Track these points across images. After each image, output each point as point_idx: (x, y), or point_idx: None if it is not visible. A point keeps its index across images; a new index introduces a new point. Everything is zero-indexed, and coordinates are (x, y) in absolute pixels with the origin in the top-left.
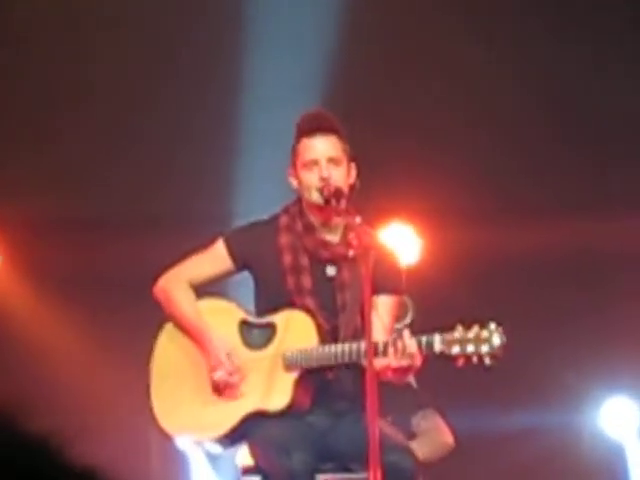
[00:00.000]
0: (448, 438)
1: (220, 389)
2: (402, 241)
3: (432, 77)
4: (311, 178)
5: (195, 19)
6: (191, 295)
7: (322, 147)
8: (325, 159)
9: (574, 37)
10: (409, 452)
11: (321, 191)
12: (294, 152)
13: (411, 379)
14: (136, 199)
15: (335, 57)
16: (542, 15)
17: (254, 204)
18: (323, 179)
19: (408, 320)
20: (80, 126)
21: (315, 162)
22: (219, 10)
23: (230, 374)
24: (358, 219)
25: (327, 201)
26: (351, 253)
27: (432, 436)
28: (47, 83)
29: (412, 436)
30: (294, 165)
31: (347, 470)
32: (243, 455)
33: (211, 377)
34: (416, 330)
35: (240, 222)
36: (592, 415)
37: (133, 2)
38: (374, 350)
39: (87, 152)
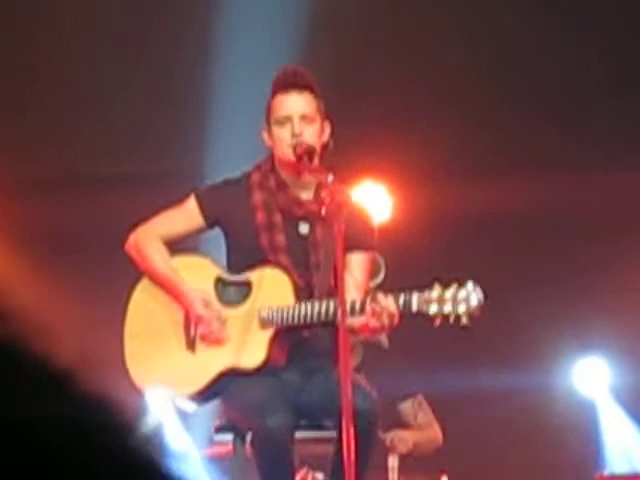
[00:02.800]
0: (440, 436)
1: (201, 338)
2: (374, 199)
3: (402, 35)
4: (283, 134)
5: None
6: (163, 250)
7: (295, 103)
8: (298, 116)
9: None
10: (371, 395)
11: (293, 148)
12: (268, 108)
13: (383, 338)
14: (108, 157)
15: (308, 19)
16: None
17: (226, 162)
18: (295, 135)
19: (380, 278)
20: (51, 87)
21: (288, 118)
22: None
23: (210, 323)
24: (330, 177)
25: (299, 158)
26: (324, 211)
27: (430, 434)
28: (19, 44)
29: (405, 426)
30: (268, 121)
31: (320, 427)
32: (216, 412)
33: (190, 331)
34: (388, 288)
35: (212, 180)
36: (566, 375)
37: None
38: (351, 309)
39: (57, 113)
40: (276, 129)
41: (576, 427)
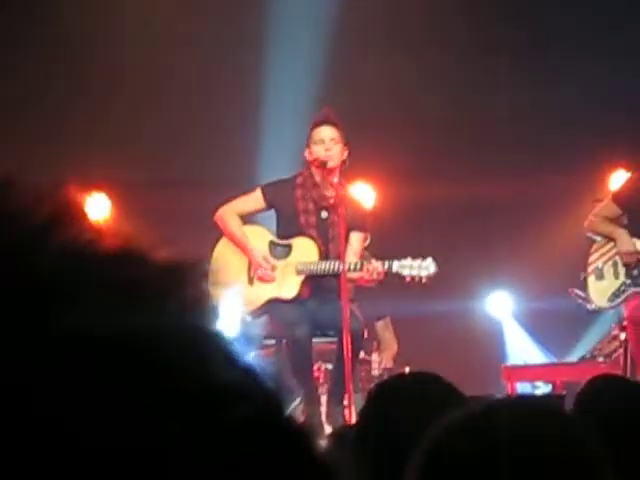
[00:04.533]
0: (396, 346)
1: (259, 278)
2: (363, 193)
3: (394, 89)
4: (319, 150)
5: (230, 20)
6: (239, 221)
7: (327, 131)
8: (328, 138)
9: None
10: (358, 317)
11: (327, 158)
12: (309, 135)
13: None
14: (196, 166)
15: (331, 70)
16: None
17: (272, 170)
18: (327, 149)
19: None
20: (160, 119)
21: (322, 140)
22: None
23: (266, 269)
24: (335, 179)
25: (324, 164)
26: (331, 201)
27: (389, 350)
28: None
29: (379, 344)
30: (308, 144)
31: (328, 335)
32: (263, 326)
33: (250, 272)
34: (372, 254)
35: (262, 181)
36: (482, 303)
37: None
38: (354, 267)
39: (164, 132)
40: (315, 147)
41: (488, 338)
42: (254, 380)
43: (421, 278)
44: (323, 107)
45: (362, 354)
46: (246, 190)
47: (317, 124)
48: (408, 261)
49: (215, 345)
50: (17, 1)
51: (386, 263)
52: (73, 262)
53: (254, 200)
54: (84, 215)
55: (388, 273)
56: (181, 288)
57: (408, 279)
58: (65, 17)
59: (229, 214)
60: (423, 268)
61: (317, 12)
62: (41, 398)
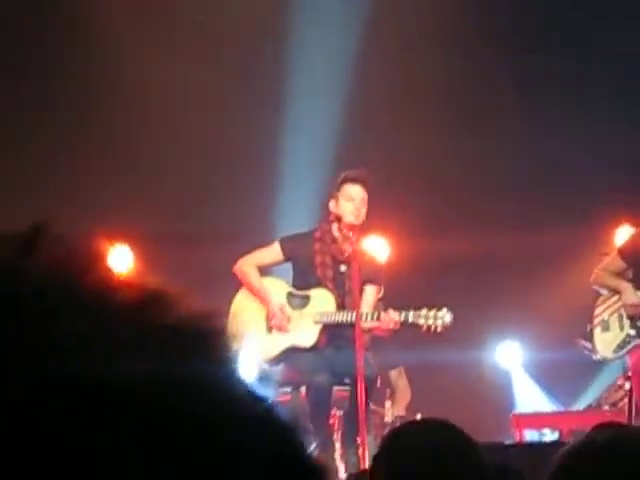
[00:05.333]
0: (409, 394)
1: (274, 327)
2: (378, 247)
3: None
4: (349, 206)
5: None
6: (257, 273)
7: (359, 190)
8: (359, 198)
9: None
10: (372, 365)
11: (354, 216)
12: (339, 188)
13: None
14: (215, 218)
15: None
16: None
17: (288, 222)
18: (356, 208)
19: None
20: (181, 172)
21: (353, 198)
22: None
23: (281, 319)
24: (351, 234)
25: (339, 219)
26: (345, 255)
27: (403, 399)
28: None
29: (392, 392)
30: (336, 196)
31: (343, 383)
32: (278, 373)
33: (268, 322)
34: (387, 304)
35: (278, 234)
36: (491, 352)
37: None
38: (371, 317)
39: (184, 185)
40: (344, 202)
41: (497, 387)
42: (275, 418)
43: (437, 327)
44: (357, 165)
45: (371, 404)
46: (264, 242)
47: (350, 180)
48: (424, 311)
49: (239, 387)
50: (39, 69)
51: (402, 313)
52: (89, 311)
53: (273, 253)
54: (107, 267)
55: (404, 323)
56: (203, 336)
57: (424, 328)
58: (88, 76)
59: (248, 266)
60: (439, 318)
61: (335, 68)
62: (39, 450)
